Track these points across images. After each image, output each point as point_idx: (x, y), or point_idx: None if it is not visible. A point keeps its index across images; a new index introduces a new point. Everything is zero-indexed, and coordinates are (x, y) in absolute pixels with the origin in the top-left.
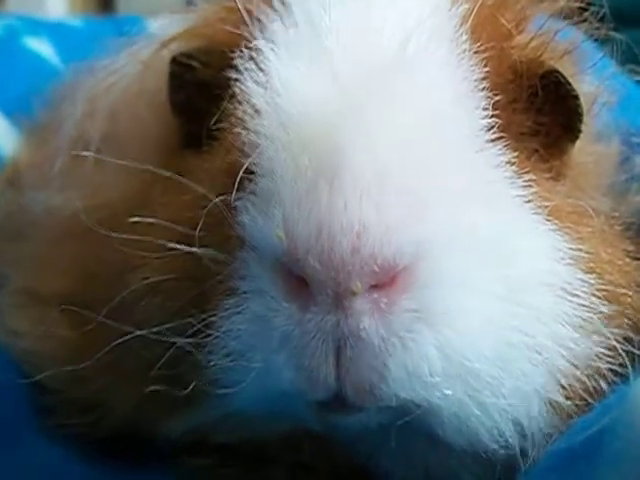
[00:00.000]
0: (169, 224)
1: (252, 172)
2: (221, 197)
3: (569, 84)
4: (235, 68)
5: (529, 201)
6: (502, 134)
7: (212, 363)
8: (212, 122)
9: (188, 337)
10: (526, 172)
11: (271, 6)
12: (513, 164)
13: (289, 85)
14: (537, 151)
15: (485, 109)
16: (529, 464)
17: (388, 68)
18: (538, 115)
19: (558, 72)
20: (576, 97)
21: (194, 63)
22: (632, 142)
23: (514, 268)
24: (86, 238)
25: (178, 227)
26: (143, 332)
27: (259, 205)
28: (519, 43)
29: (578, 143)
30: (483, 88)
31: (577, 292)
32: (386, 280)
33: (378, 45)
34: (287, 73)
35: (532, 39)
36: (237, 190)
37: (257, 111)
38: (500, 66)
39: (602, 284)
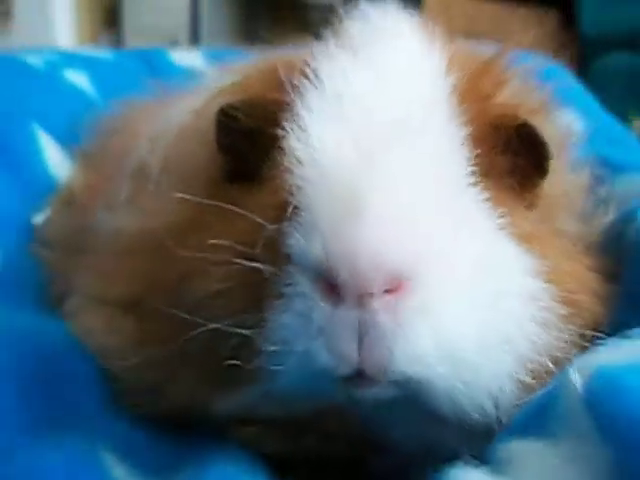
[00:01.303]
0: (232, 244)
1: (296, 207)
2: (274, 225)
3: (538, 134)
4: (280, 126)
5: (503, 228)
6: (482, 177)
7: (265, 348)
8: (258, 166)
9: (245, 329)
10: (502, 205)
11: (306, 76)
12: (490, 200)
13: (323, 143)
14: (513, 186)
15: (469, 160)
16: (502, 429)
17: (396, 130)
18: (515, 158)
19: (529, 124)
20: (544, 144)
21: (239, 114)
22: (596, 173)
23: (491, 279)
24: (149, 253)
25: (239, 246)
26: (216, 325)
27: (303, 232)
28: (498, 102)
29: (548, 178)
30: (468, 143)
31: (541, 298)
32: (395, 286)
33: (388, 112)
34: (321, 133)
35: (509, 98)
36: (286, 220)
37: (300, 162)
38: (482, 121)
39: (562, 292)
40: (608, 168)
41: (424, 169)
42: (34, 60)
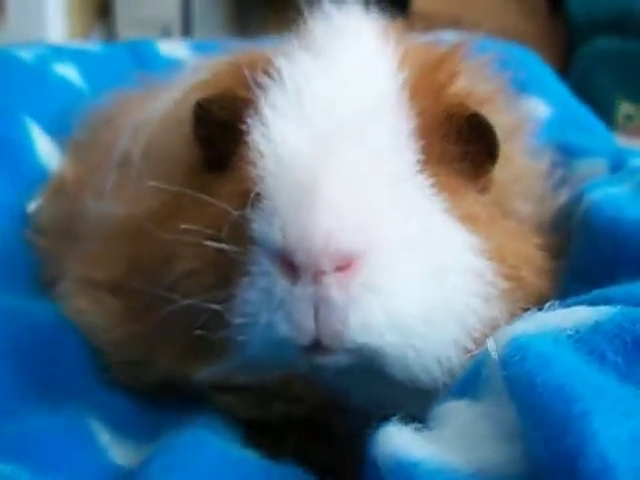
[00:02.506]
0: (202, 228)
1: (259, 194)
2: (239, 212)
3: (487, 122)
4: (246, 122)
5: (447, 211)
6: (433, 164)
7: (233, 321)
8: (229, 156)
9: (216, 304)
10: (450, 190)
11: (270, 75)
12: (436, 185)
13: (283, 137)
14: (465, 172)
15: (415, 150)
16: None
17: (348, 125)
18: (466, 145)
19: (478, 114)
20: (493, 132)
21: (213, 107)
22: (555, 158)
23: (435, 256)
24: (131, 238)
25: (208, 230)
26: (190, 301)
27: (264, 217)
28: (450, 93)
29: (499, 165)
30: (416, 134)
31: (484, 274)
32: (345, 264)
33: (343, 108)
34: (281, 128)
35: (460, 89)
36: (250, 207)
37: (262, 154)
38: (434, 112)
39: (505, 268)
40: (569, 152)
41: (373, 159)
42: (25, 54)
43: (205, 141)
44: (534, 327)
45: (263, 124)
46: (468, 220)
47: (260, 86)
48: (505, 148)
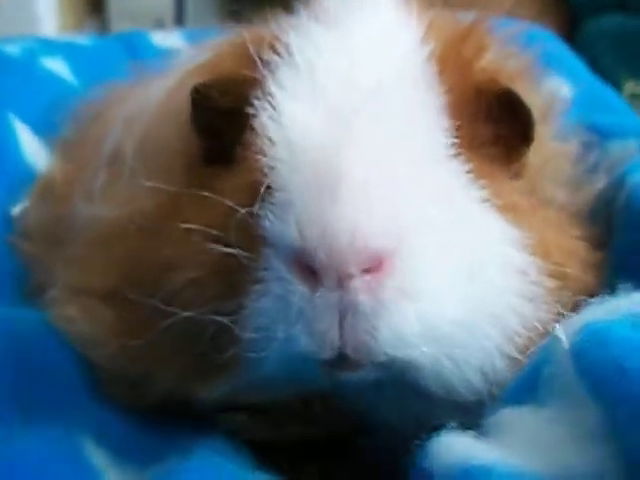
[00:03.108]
0: (205, 229)
1: (269, 187)
2: (247, 208)
3: (521, 100)
4: (252, 105)
5: (486, 201)
6: (463, 147)
7: (244, 336)
8: (234, 147)
9: (223, 316)
10: (484, 177)
11: (277, 52)
12: (472, 171)
13: (295, 120)
14: (497, 156)
15: (448, 130)
16: (494, 402)
17: (369, 101)
18: (497, 126)
19: (511, 91)
20: (528, 111)
21: (213, 93)
22: (588, 140)
23: (474, 253)
24: (124, 242)
25: (213, 231)
26: (192, 313)
27: (277, 213)
28: (478, 68)
29: (533, 147)
30: (447, 112)
31: (527, 271)
32: (375, 265)
33: (361, 82)
34: (292, 110)
35: (489, 64)
36: (260, 202)
37: (271, 141)
38: (463, 89)
39: (549, 264)
40: (598, 134)
41: (401, 142)
42: (11, 49)
43: (205, 131)
44: (605, 313)
45: (272, 106)
46: (508, 210)
47: (267, 65)
48: (538, 130)
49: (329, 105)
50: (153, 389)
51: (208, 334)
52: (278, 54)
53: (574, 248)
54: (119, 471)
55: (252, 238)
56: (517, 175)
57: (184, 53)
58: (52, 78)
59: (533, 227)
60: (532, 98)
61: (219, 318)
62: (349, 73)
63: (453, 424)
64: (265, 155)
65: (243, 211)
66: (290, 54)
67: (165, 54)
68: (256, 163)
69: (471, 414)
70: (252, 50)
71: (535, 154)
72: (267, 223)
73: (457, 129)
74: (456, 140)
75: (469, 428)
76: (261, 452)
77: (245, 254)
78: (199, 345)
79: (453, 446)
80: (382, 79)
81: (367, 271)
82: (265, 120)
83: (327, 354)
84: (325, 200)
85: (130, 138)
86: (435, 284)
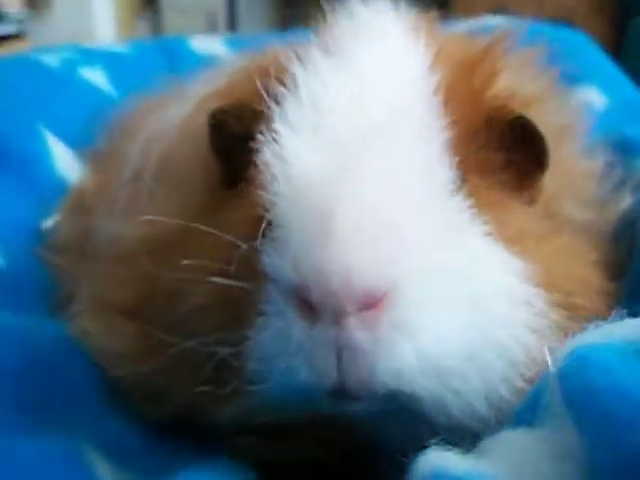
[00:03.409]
0: (209, 261)
1: (270, 223)
2: (248, 243)
3: (534, 128)
4: (257, 140)
5: (489, 234)
6: (469, 178)
7: (247, 367)
8: (242, 177)
9: (228, 347)
10: (490, 206)
11: (284, 85)
12: (476, 204)
13: (297, 157)
14: (509, 183)
15: (451, 164)
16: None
17: (371, 138)
18: (510, 153)
19: (524, 118)
20: (542, 138)
21: (228, 118)
22: (611, 156)
23: (475, 286)
24: (142, 262)
25: (216, 263)
26: (191, 343)
27: (276, 249)
28: (490, 95)
29: (549, 170)
30: (453, 144)
31: (532, 302)
32: (372, 303)
33: (365, 117)
34: (295, 146)
35: (502, 90)
36: (260, 237)
37: (274, 177)
38: (472, 118)
39: (558, 295)
40: (630, 148)
41: (401, 179)
42: (50, 60)
43: (222, 156)
44: (597, 338)
45: (275, 141)
46: (513, 241)
47: (273, 97)
48: (555, 153)
49: (331, 141)
50: (167, 406)
51: (212, 364)
52: (284, 86)
53: (586, 276)
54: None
55: (254, 272)
56: (531, 201)
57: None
58: (90, 89)
59: (541, 257)
60: (549, 121)
61: (224, 349)
62: (353, 107)
63: (438, 442)
64: (267, 190)
65: (245, 246)
66: (296, 86)
67: (204, 61)
68: (259, 198)
69: (476, 437)
70: (259, 83)
71: (552, 177)
72: (267, 258)
73: (463, 161)
74: (460, 173)
75: (470, 448)
76: (272, 473)
77: (247, 287)
78: (204, 373)
79: (434, 460)
80: (386, 114)
81: (363, 308)
82: (268, 155)
83: (326, 386)
84: (320, 238)
85: (150, 159)
86: (434, 319)
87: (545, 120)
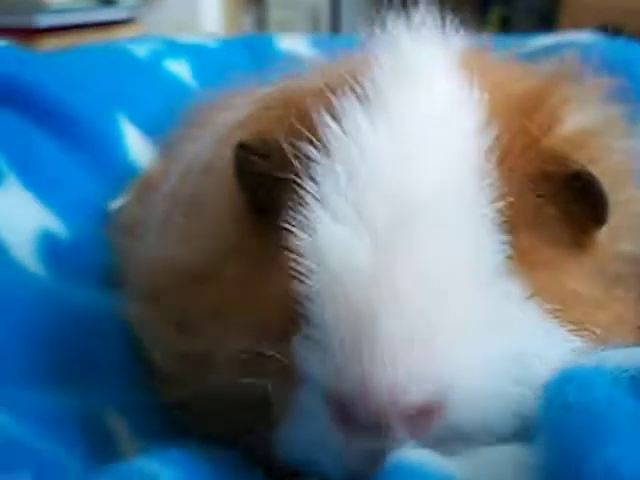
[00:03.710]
0: (242, 331)
1: (305, 317)
2: (282, 338)
3: (597, 183)
4: (285, 221)
5: (543, 319)
6: (518, 241)
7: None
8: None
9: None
10: (541, 272)
11: (313, 144)
12: (528, 287)
13: (333, 243)
14: (562, 237)
15: (505, 243)
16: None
17: (418, 223)
18: (566, 206)
19: (585, 173)
20: (601, 192)
21: (252, 157)
22: None
23: (530, 382)
24: (177, 289)
25: (249, 337)
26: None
27: (314, 349)
28: (548, 146)
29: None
30: (503, 221)
31: None
32: (419, 413)
33: (412, 198)
34: (331, 231)
35: (563, 138)
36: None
37: (307, 268)
38: (529, 170)
39: None
40: None
41: (452, 267)
42: (139, 50)
43: (249, 189)
44: (594, 362)
45: (307, 219)
46: (569, 318)
47: (303, 162)
48: (615, 197)
49: (373, 224)
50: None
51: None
52: (315, 147)
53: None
54: (134, 440)
55: (284, 367)
56: (585, 256)
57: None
58: (173, 80)
59: (595, 331)
60: (613, 161)
61: (248, 437)
62: (399, 181)
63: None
64: (300, 280)
65: (275, 334)
66: (328, 150)
67: (290, 60)
68: (290, 290)
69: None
70: (283, 141)
71: (605, 234)
72: (303, 356)
73: (513, 218)
74: (512, 253)
75: None
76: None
77: (277, 382)
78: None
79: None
80: (436, 186)
81: (412, 419)
82: (300, 236)
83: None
84: (365, 350)
85: (185, 185)
86: (487, 415)
87: (609, 160)
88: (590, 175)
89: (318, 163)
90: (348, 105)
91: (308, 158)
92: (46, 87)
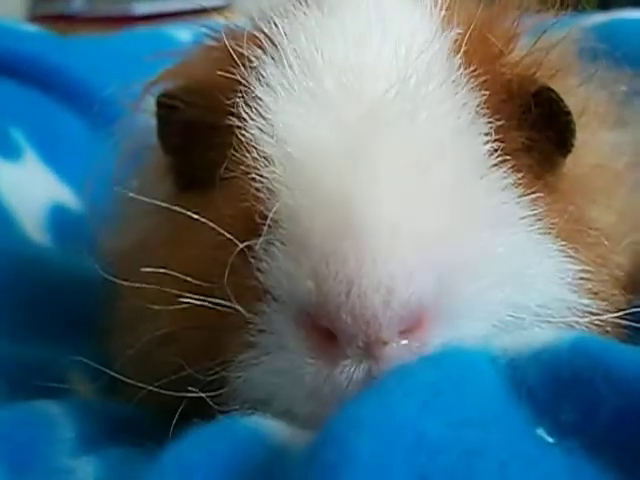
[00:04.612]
0: (180, 275)
1: (268, 219)
2: (246, 243)
3: (561, 101)
4: (235, 115)
5: (537, 220)
6: (504, 155)
7: (227, 410)
8: (210, 169)
9: (201, 387)
10: (531, 191)
11: (261, 47)
12: (518, 185)
13: (295, 132)
14: (531, 167)
15: (486, 134)
16: None
17: (388, 106)
18: (531, 131)
19: (551, 90)
20: (568, 113)
21: (178, 104)
22: None
23: (527, 295)
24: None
25: (189, 278)
26: (151, 387)
27: (285, 253)
28: (511, 61)
29: (573, 156)
30: (482, 112)
31: (579, 318)
32: (414, 323)
33: (375, 82)
34: (291, 120)
35: (524, 56)
36: (255, 238)
37: (268, 159)
38: (494, 86)
39: (600, 306)
40: None
41: (430, 157)
42: (182, 34)
43: (176, 150)
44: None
45: (261, 116)
46: (559, 235)
47: (250, 64)
48: (582, 135)
49: (338, 112)
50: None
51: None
52: (263, 49)
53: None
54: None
55: (244, 286)
56: (554, 190)
57: None
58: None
59: (583, 259)
60: (578, 96)
61: (193, 391)
62: (358, 68)
63: None
64: (260, 176)
65: (233, 249)
66: (277, 46)
67: None
68: (248, 187)
69: None
70: (229, 46)
71: (575, 165)
72: (269, 266)
73: (497, 132)
74: (498, 144)
75: None
76: None
77: (232, 309)
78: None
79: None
80: (401, 75)
81: (404, 332)
82: (255, 132)
83: None
84: (349, 246)
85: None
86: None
87: (574, 93)
88: (555, 93)
89: (266, 62)
90: (294, 8)
91: (257, 59)
92: (74, 69)
